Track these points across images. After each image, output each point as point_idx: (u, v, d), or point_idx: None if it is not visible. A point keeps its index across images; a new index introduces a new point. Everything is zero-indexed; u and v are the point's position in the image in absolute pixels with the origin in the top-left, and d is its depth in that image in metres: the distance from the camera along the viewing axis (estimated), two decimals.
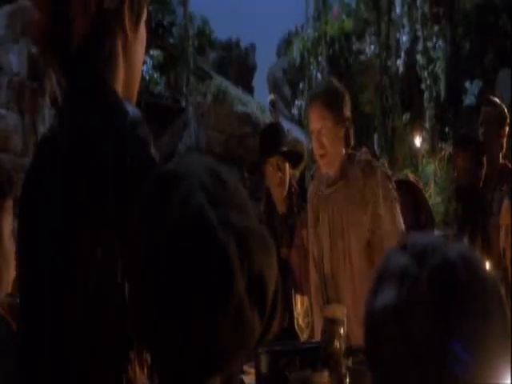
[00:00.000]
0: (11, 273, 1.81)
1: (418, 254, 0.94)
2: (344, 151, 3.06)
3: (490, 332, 0.92)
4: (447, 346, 0.90)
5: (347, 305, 2.53)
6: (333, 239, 3.04)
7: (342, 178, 3.04)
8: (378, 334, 0.95)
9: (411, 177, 4.22)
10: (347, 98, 3.13)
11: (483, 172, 3.96)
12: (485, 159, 3.95)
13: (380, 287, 0.96)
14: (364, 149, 3.18)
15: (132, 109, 1.29)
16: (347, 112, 3.08)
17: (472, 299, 0.91)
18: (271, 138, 3.76)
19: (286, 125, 10.27)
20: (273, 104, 9.64)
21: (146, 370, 1.22)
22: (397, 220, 2.97)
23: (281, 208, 3.76)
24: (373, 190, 2.96)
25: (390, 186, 3.00)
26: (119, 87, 1.36)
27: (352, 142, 3.11)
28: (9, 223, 1.83)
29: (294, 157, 3.72)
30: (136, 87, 1.43)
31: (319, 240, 3.11)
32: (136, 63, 1.41)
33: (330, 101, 3.06)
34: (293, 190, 3.78)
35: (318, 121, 3.05)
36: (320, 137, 3.03)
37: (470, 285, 0.92)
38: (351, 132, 3.11)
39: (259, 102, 11.06)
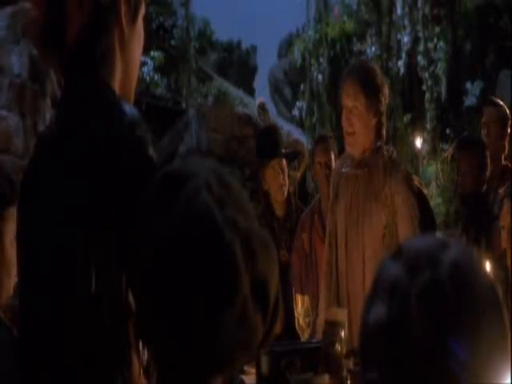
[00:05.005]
0: (12, 278, 1.80)
1: (411, 263, 0.93)
2: (374, 141, 2.97)
3: (484, 341, 0.90)
4: (440, 362, 0.88)
5: (357, 296, 2.48)
6: (347, 223, 2.98)
7: (365, 166, 2.97)
8: (370, 350, 0.94)
9: (415, 179, 4.19)
10: (385, 91, 3.00)
11: (487, 175, 3.88)
12: (488, 161, 3.88)
13: (373, 301, 0.95)
14: (392, 148, 3.10)
15: (130, 108, 1.28)
16: (382, 106, 2.96)
17: (464, 313, 0.90)
18: (270, 140, 3.76)
19: (287, 126, 10.27)
20: (262, 107, 9.61)
21: (144, 371, 1.22)
22: (414, 225, 2.89)
23: (279, 211, 3.77)
24: (391, 190, 2.89)
25: (410, 192, 2.92)
26: (116, 83, 1.35)
27: (384, 137, 3.02)
28: (11, 230, 1.83)
29: (296, 157, 3.73)
30: (133, 83, 1.42)
31: (334, 218, 3.04)
32: (133, 59, 1.40)
33: (366, 81, 2.94)
34: (291, 192, 3.79)
35: (350, 98, 2.95)
36: (350, 116, 2.94)
37: (462, 297, 0.90)
38: (384, 128, 3.00)
39: None
